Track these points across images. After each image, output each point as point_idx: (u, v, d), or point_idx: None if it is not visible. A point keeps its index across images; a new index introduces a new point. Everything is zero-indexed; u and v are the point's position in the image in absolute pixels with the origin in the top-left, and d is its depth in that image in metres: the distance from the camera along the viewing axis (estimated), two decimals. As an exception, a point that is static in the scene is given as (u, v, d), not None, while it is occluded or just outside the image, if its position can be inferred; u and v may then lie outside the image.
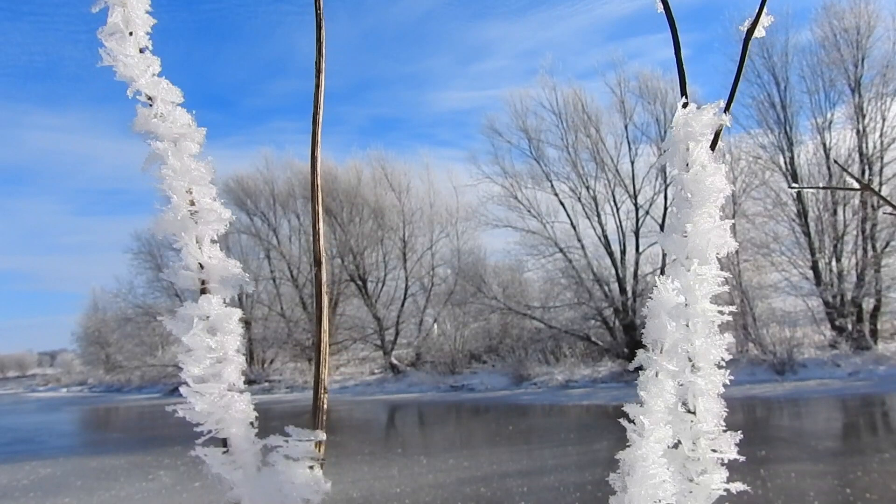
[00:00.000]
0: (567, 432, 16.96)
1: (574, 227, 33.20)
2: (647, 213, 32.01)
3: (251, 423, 0.72)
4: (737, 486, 0.80)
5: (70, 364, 61.31)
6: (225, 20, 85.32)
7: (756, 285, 29.08)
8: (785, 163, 29.72)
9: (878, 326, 27.96)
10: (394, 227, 39.08)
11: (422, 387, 32.50)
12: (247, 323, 41.31)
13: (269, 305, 40.70)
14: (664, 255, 0.85)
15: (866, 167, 28.05)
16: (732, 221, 0.83)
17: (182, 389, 0.69)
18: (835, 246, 28.44)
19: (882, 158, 28.00)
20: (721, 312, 0.80)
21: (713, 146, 0.84)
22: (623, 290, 31.32)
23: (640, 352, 0.80)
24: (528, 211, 33.95)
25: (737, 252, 28.65)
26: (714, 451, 0.79)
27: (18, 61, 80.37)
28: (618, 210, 32.89)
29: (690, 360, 0.79)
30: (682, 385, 0.79)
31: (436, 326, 37.22)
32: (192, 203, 0.74)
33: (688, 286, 0.79)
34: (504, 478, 12.06)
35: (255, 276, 41.58)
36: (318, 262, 0.80)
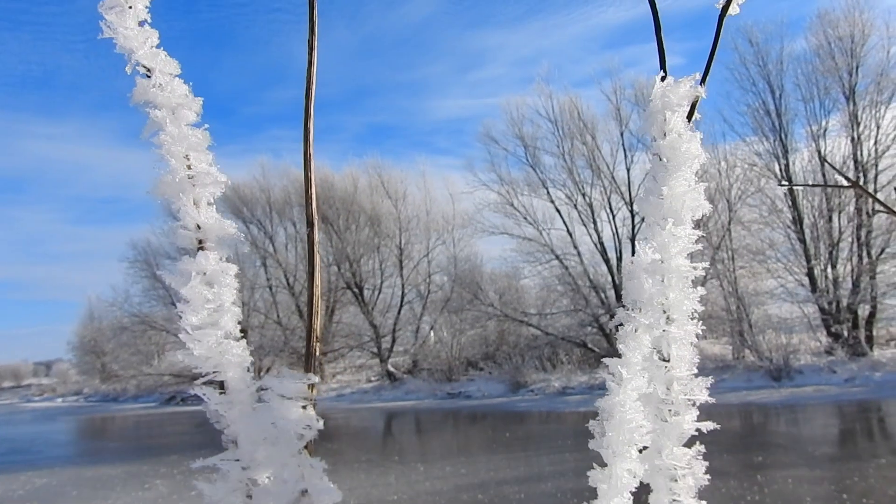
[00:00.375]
0: (564, 439, 16.93)
1: (570, 234, 33.31)
2: (643, 219, 32.03)
3: (247, 368, 0.76)
4: (707, 426, 0.83)
5: (65, 374, 61.11)
6: (223, 29, 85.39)
7: (752, 292, 29.14)
8: (780, 170, 29.83)
9: (874, 333, 28.01)
10: (390, 234, 39.09)
11: (419, 394, 32.46)
12: (243, 331, 41.07)
13: (265, 314, 40.63)
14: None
15: (861, 174, 28.16)
16: (706, 184, 0.87)
17: (181, 336, 0.74)
18: (830, 252, 28.52)
19: (877, 166, 28.13)
20: (694, 268, 0.84)
21: (689, 117, 0.88)
22: (619, 297, 31.30)
23: (619, 309, 0.84)
24: (525, 218, 34.08)
25: (733, 259, 28.80)
26: (686, 394, 0.83)
27: (16, 70, 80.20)
28: (614, 217, 33.01)
29: (665, 311, 0.83)
30: (657, 336, 0.83)
31: (432, 334, 37.18)
32: (190, 168, 0.78)
33: (663, 244, 0.84)
34: (501, 484, 12.04)
35: (252, 285, 41.56)
36: (310, 224, 0.84)
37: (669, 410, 0.83)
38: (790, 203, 29.49)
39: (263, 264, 41.28)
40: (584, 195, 32.96)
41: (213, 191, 0.79)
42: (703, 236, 0.88)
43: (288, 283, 39.99)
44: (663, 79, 0.88)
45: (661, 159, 0.87)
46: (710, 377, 0.84)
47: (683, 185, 0.85)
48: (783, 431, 16.82)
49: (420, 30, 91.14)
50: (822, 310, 28.34)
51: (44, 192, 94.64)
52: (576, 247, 33.04)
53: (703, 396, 0.84)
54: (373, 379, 37.73)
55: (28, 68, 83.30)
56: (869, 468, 11.46)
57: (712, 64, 0.93)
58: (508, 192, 34.36)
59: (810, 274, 28.87)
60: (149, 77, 0.78)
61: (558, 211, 33.50)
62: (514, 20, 79.39)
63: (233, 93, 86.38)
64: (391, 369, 36.36)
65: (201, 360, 0.75)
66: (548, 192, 33.54)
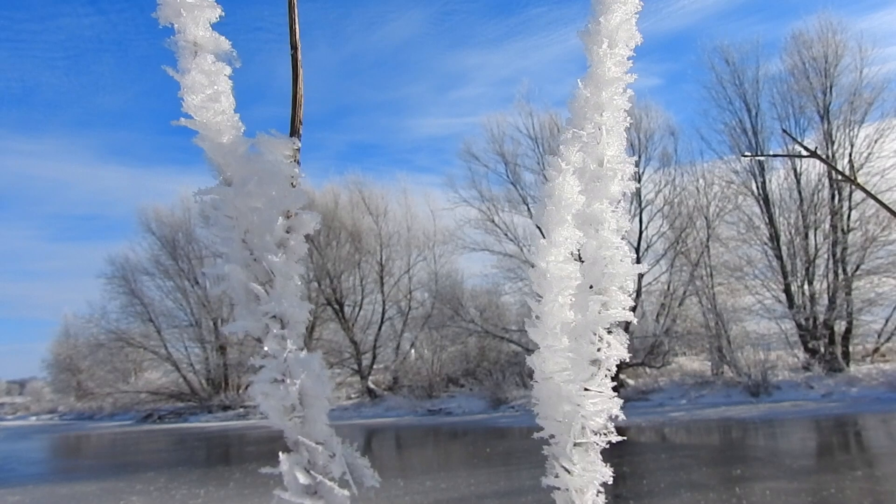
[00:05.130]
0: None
1: (551, 251, 33.39)
2: (624, 236, 32.32)
3: (241, 132, 0.87)
4: (630, 187, 1.00)
5: (40, 392, 60.08)
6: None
7: (730, 308, 29.40)
8: (757, 187, 30.23)
9: (850, 349, 28.29)
10: (371, 250, 38.99)
11: (399, 411, 32.30)
12: (222, 348, 40.87)
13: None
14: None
15: (836, 192, 28.62)
16: (637, 16, 1.02)
17: (183, 109, 0.84)
18: (806, 269, 28.87)
19: (851, 184, 28.60)
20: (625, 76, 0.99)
21: None
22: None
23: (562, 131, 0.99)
24: (505, 234, 34.21)
25: (711, 275, 29.07)
26: (614, 167, 0.97)
27: (-6, 86, 79.70)
28: (593, 234, 33.15)
29: (599, 108, 0.98)
30: (591, 133, 0.98)
31: (413, 350, 37.07)
32: None
33: (599, 58, 0.99)
34: (482, 499, 12.00)
35: (231, 301, 41.10)
36: (294, 48, 0.95)
37: (599, 180, 0.97)
38: (767, 220, 29.87)
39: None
40: (564, 212, 33.12)
41: (209, 15, 0.89)
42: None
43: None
44: None
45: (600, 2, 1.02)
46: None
47: (618, 18, 1.00)
48: (761, 445, 16.92)
49: (401, 50, 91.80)
50: (799, 326, 28.64)
51: (21, 208, 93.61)
52: (556, 263, 33.15)
53: (630, 169, 0.99)
54: (353, 396, 37.50)
55: (7, 85, 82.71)
56: (845, 480, 11.56)
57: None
58: (489, 209, 34.51)
59: (787, 290, 29.18)
60: None
61: (539, 227, 33.59)
62: (494, 41, 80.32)
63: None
64: (371, 386, 36.17)
65: (201, 125, 0.85)
66: (528, 209, 33.69)
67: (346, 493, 0.83)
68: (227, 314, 41.21)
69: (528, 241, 34.20)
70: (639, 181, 31.31)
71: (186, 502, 13.21)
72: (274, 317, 0.83)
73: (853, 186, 27.45)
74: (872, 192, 1.35)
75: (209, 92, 0.86)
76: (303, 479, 0.80)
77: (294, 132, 0.92)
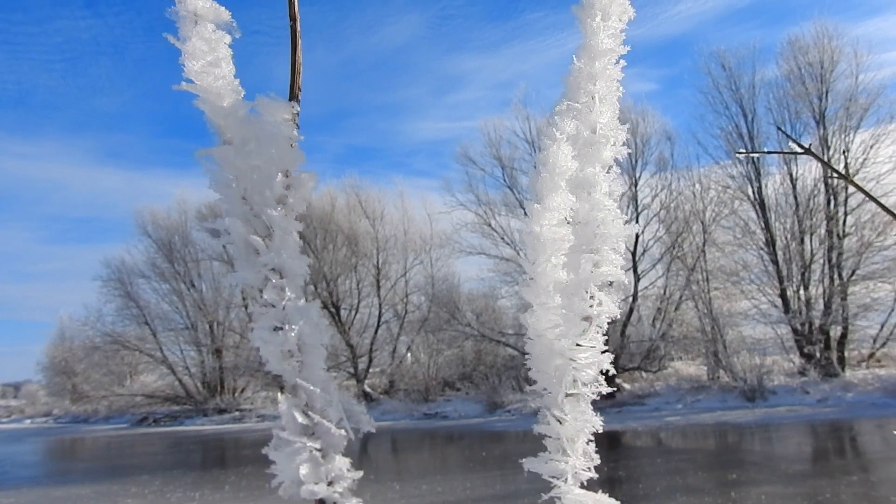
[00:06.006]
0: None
1: (547, 255, 33.39)
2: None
3: (241, 96, 0.90)
4: (622, 152, 1.01)
5: (34, 395, 59.86)
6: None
7: (726, 313, 29.44)
8: (753, 192, 30.30)
9: (846, 354, 28.36)
10: (367, 254, 38.95)
11: (395, 415, 32.25)
12: (218, 351, 40.77)
13: (240, 333, 40.26)
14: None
15: (832, 197, 28.70)
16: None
17: (184, 75, 0.87)
18: (802, 274, 28.92)
19: (847, 189, 28.66)
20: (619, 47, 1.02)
21: None
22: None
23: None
24: (502, 238, 34.18)
25: (707, 280, 29.12)
26: (606, 135, 0.99)
27: (-10, 89, 79.60)
28: (590, 238, 33.19)
29: (592, 77, 1.00)
30: (584, 101, 1.00)
31: (409, 354, 37.02)
32: None
33: (592, 30, 1.01)
34: (477, 502, 12.00)
35: (227, 304, 41.19)
36: (293, 19, 0.97)
37: (592, 146, 0.99)
38: (763, 225, 29.94)
39: (239, 283, 40.86)
40: (561, 216, 33.16)
41: None
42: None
43: (264, 303, 39.56)
44: None
45: None
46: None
47: None
48: (757, 450, 16.93)
49: (399, 53, 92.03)
50: (794, 331, 28.67)
51: (18, 210, 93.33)
52: (553, 267, 33.15)
53: (622, 136, 1.01)
54: (349, 400, 37.40)
55: (4, 87, 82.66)
56: (840, 485, 11.57)
57: None
58: (486, 213, 34.50)
59: (783, 295, 29.23)
60: None
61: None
62: (492, 45, 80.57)
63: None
64: (368, 390, 36.11)
65: (202, 90, 0.87)
66: (525, 213, 33.63)
67: (342, 433, 0.83)
68: (224, 317, 41.20)
69: (524, 245, 34.23)
70: (635, 186, 31.40)
71: (181, 504, 13.18)
72: (273, 269, 0.86)
73: (849, 187, 27.59)
74: (868, 193, 1.37)
75: (209, 58, 0.89)
76: (301, 419, 0.81)
77: (293, 97, 0.94)
